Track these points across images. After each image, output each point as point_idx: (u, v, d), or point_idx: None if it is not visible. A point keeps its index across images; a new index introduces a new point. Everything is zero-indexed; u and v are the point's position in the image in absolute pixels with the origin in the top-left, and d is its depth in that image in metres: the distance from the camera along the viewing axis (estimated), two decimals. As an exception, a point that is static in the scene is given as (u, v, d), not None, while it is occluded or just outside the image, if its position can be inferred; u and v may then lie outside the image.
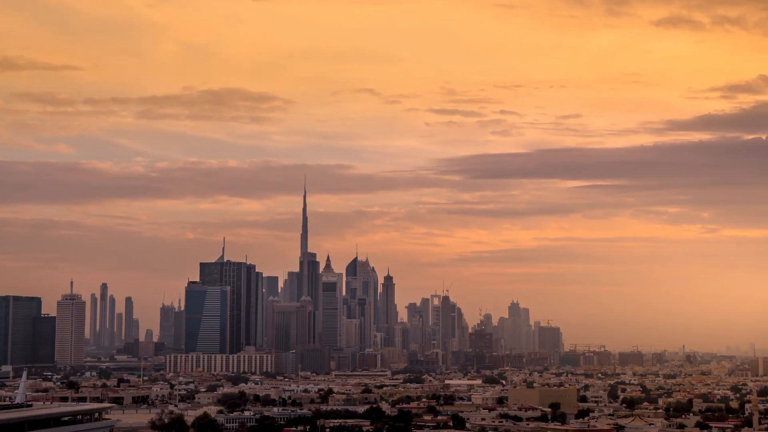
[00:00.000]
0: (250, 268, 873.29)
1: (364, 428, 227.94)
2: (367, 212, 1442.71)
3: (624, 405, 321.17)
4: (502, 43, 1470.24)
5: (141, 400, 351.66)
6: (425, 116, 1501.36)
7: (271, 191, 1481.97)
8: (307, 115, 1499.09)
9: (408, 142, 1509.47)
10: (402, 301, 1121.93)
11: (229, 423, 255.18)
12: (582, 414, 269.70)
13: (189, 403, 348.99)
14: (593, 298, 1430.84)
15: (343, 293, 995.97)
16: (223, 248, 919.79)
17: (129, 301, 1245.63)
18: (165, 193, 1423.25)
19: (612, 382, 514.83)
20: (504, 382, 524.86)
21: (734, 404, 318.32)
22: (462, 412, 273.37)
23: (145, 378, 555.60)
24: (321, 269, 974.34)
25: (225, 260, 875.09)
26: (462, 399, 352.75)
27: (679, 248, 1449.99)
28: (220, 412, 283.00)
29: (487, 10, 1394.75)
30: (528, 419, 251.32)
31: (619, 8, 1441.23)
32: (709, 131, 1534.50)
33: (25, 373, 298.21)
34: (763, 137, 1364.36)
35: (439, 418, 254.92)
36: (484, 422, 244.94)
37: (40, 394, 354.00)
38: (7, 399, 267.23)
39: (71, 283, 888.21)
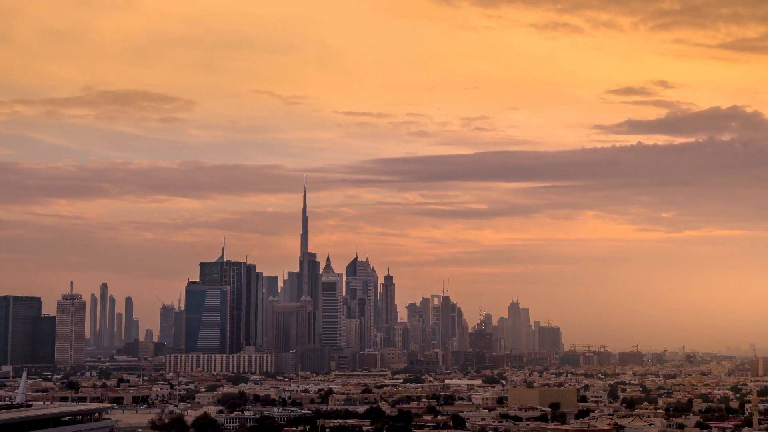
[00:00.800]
0: (250, 268, 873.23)
1: (364, 428, 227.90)
2: (317, 212, 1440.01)
3: (624, 405, 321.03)
4: (390, 44, 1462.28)
5: (141, 400, 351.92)
6: (333, 117, 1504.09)
7: (209, 191, 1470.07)
8: (215, 115, 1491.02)
9: (329, 141, 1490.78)
10: (402, 301, 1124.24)
11: (229, 423, 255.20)
12: (582, 414, 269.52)
13: (189, 403, 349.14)
14: (591, 298, 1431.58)
15: (343, 293, 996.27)
16: (223, 248, 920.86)
17: (129, 301, 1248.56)
18: (104, 193, 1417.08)
19: (612, 382, 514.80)
20: (504, 382, 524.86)
21: (734, 404, 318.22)
22: (462, 412, 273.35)
23: (145, 378, 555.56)
24: (321, 269, 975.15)
25: (225, 260, 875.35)
26: (462, 399, 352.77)
27: (652, 248, 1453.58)
28: (220, 412, 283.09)
29: (363, 13, 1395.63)
30: (528, 419, 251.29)
31: (489, 11, 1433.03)
32: (637, 134, 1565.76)
33: (25, 373, 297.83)
34: (701, 140, 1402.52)
35: (439, 418, 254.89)
36: (484, 422, 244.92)
37: (40, 394, 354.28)
38: (7, 399, 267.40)
39: (71, 283, 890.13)
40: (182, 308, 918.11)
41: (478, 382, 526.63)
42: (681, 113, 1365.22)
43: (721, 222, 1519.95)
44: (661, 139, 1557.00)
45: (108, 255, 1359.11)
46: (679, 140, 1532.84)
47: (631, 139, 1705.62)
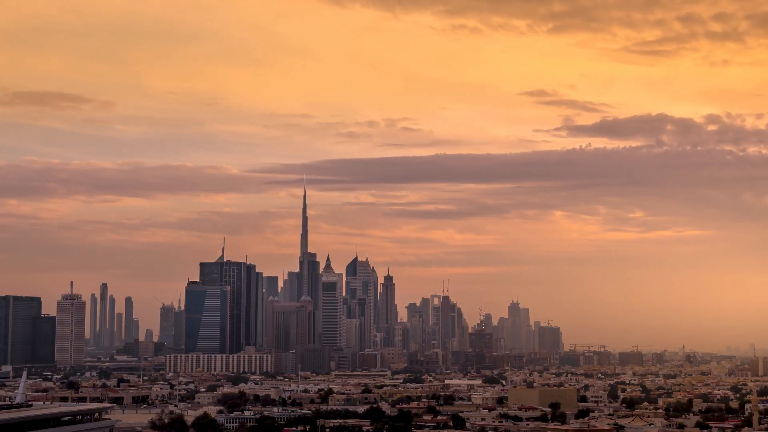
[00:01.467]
0: (250, 268, 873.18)
1: (364, 428, 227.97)
2: (275, 213, 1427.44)
3: (624, 405, 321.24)
4: (297, 42, 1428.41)
5: (141, 400, 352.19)
6: (259, 118, 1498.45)
7: (155, 191, 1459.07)
8: (137, 113, 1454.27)
9: (263, 140, 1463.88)
10: (402, 301, 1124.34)
11: (229, 423, 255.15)
12: (582, 414, 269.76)
13: (189, 403, 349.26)
14: (591, 298, 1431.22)
15: (343, 293, 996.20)
16: (223, 248, 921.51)
17: (129, 301, 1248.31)
18: (52, 193, 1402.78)
19: (612, 382, 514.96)
20: (504, 382, 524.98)
21: (734, 404, 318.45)
22: (462, 412, 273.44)
23: (145, 378, 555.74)
24: (321, 269, 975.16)
25: (225, 260, 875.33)
26: (462, 399, 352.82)
27: (628, 248, 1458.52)
28: (220, 412, 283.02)
29: (261, 9, 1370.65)
30: (528, 419, 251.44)
31: (382, 14, 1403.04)
32: (576, 137, 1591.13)
33: (25, 373, 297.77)
34: (651, 143, 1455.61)
35: (439, 418, 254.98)
36: (484, 422, 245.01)
37: (40, 394, 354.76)
38: (7, 399, 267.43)
39: (71, 283, 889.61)
40: (182, 308, 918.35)
41: (478, 382, 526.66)
42: (612, 117, 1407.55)
43: (688, 222, 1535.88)
44: (607, 143, 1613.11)
45: (87, 256, 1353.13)
46: (623, 143, 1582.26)
47: (579, 142, 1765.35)
